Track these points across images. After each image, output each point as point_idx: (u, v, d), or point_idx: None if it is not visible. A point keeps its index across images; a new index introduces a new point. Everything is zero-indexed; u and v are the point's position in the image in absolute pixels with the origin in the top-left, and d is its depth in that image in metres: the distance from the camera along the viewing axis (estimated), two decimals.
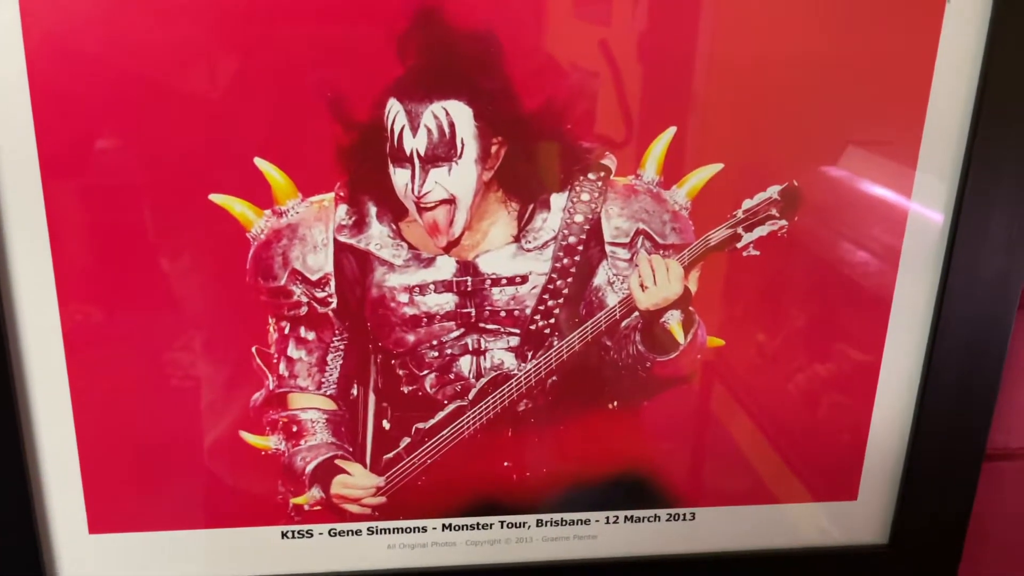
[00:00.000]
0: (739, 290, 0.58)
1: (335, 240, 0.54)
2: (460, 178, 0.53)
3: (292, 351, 0.56)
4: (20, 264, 0.51)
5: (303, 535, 0.60)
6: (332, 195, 0.53)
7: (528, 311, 0.57)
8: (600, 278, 0.57)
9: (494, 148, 0.53)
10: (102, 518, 0.58)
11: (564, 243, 0.56)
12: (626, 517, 0.63)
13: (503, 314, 0.56)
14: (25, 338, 0.53)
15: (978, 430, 0.63)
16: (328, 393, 0.57)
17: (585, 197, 0.55)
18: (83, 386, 0.55)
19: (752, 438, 0.63)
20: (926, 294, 0.60)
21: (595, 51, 0.52)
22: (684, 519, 0.64)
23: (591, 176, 0.54)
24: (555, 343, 0.58)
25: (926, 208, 0.58)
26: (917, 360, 0.62)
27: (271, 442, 0.58)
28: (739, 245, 0.57)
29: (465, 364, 0.57)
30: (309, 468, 0.58)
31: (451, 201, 0.53)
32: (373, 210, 0.54)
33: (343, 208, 0.53)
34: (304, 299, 0.55)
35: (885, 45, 0.54)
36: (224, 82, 0.49)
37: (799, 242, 0.57)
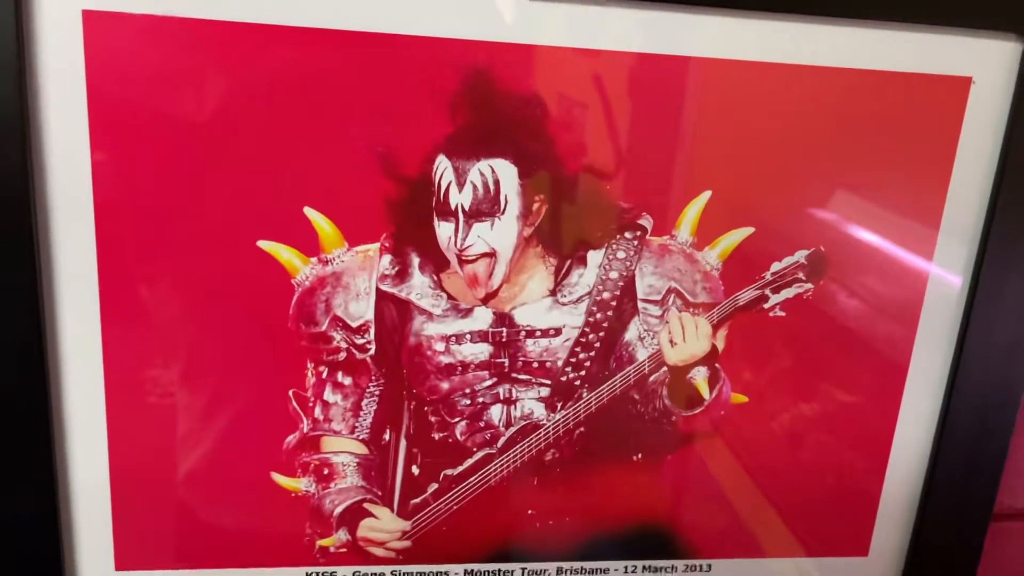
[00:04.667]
0: (764, 349, 0.60)
1: (377, 289, 0.55)
2: (502, 233, 0.54)
3: (328, 395, 0.57)
4: (66, 305, 0.52)
5: None
6: (377, 245, 0.54)
7: (560, 363, 0.58)
8: (631, 333, 0.58)
9: (536, 205, 0.54)
10: (129, 555, 0.58)
11: (598, 298, 0.57)
12: (644, 567, 0.64)
13: (535, 365, 0.58)
14: (66, 373, 0.54)
15: (987, 490, 0.65)
16: (361, 437, 0.58)
17: (621, 255, 0.56)
18: (120, 423, 0.55)
19: (770, 493, 0.64)
20: (942, 357, 0.62)
21: (636, 118, 0.53)
22: (701, 570, 0.65)
23: (628, 235, 0.56)
24: (584, 395, 0.59)
25: (946, 273, 0.60)
26: (931, 421, 0.63)
27: (301, 484, 0.58)
28: (766, 306, 0.59)
29: (496, 413, 0.59)
30: (338, 511, 0.59)
31: (492, 255, 0.55)
32: (416, 261, 0.55)
33: (387, 258, 0.54)
34: (343, 345, 0.56)
35: (912, 119, 0.56)
36: (280, 135, 0.51)
37: (824, 304, 0.59)
